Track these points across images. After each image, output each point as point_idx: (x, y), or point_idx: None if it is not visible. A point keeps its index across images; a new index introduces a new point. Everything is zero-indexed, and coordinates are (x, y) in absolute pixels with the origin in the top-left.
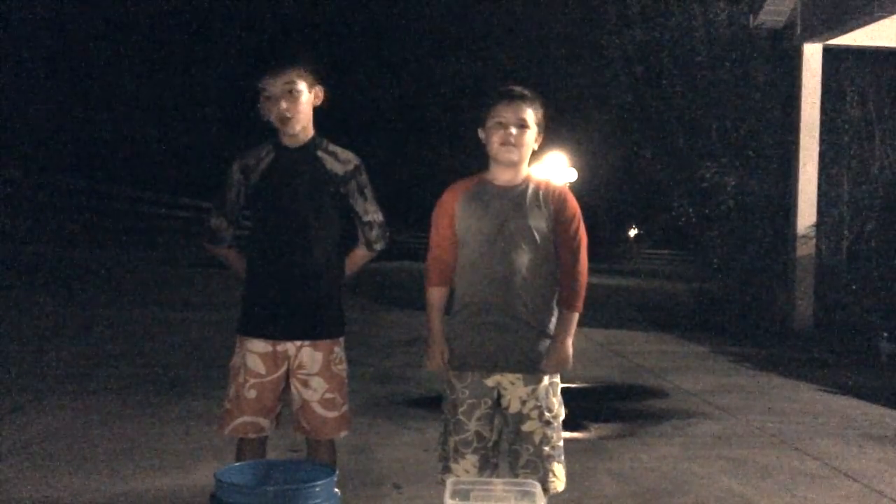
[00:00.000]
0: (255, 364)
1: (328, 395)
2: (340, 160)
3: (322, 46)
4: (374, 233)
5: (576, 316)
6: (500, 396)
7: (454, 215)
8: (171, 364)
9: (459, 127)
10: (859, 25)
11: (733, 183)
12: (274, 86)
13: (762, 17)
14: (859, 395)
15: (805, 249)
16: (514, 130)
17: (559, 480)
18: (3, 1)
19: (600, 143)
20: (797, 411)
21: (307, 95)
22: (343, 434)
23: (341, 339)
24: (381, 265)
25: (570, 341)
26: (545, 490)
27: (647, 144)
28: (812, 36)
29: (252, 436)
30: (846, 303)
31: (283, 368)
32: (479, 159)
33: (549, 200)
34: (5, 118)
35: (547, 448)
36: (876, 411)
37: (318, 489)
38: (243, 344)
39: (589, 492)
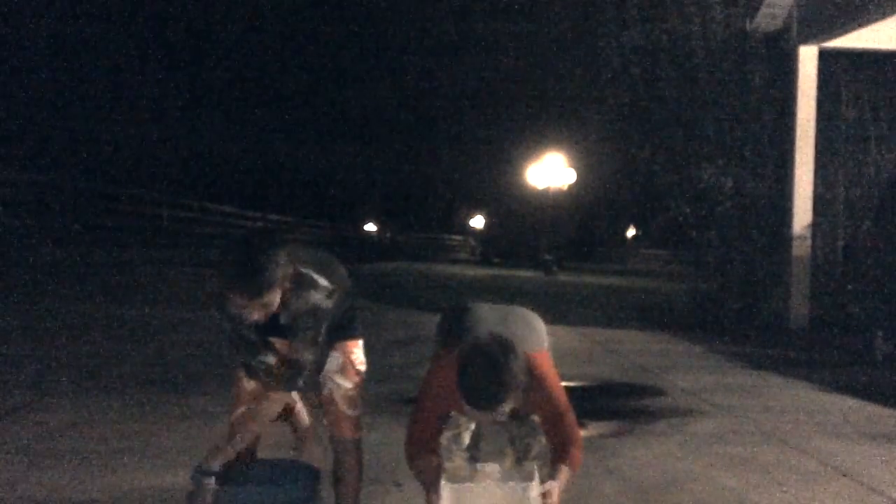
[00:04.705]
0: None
1: (352, 393)
2: (291, 312)
3: (324, 48)
4: (290, 371)
5: (568, 470)
6: None
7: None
8: (171, 363)
9: (460, 129)
10: (855, 28)
11: (730, 184)
12: (247, 307)
13: (759, 19)
14: (855, 393)
15: (801, 250)
16: (474, 418)
17: None
18: (4, 1)
19: (598, 144)
20: (793, 409)
21: (279, 298)
22: (358, 436)
23: (360, 342)
24: (381, 265)
25: (559, 490)
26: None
27: (645, 146)
28: (808, 39)
29: (251, 425)
30: (842, 302)
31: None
32: (477, 160)
33: (527, 409)
34: (6, 118)
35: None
36: (871, 409)
37: (299, 488)
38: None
39: (587, 489)
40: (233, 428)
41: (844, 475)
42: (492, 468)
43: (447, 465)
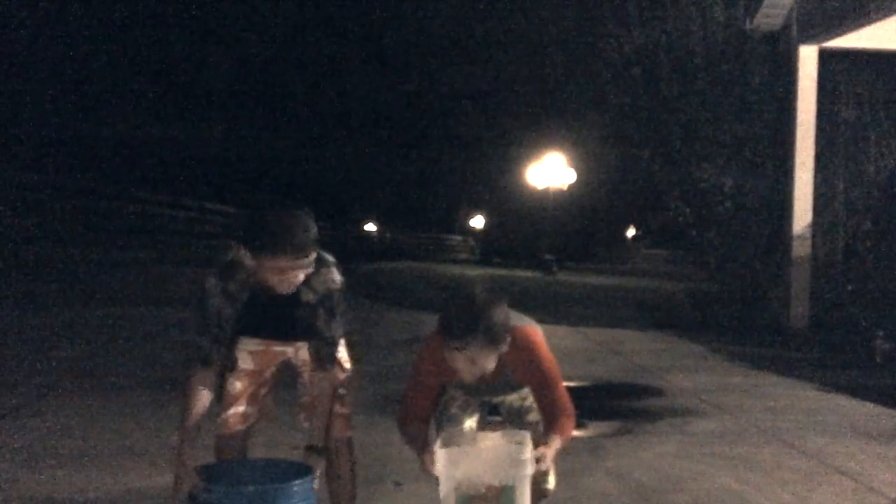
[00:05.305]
0: (244, 361)
1: (340, 391)
2: (316, 290)
3: (326, 49)
4: (329, 350)
5: (559, 439)
6: (494, 405)
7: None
8: (171, 364)
9: (460, 129)
10: (855, 28)
11: (730, 184)
12: (288, 271)
13: (759, 19)
14: (855, 393)
15: (801, 249)
16: (461, 368)
17: (553, 479)
18: (3, 1)
19: (598, 144)
20: (793, 409)
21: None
22: (349, 434)
23: (342, 340)
24: (381, 265)
25: (551, 455)
26: (543, 494)
27: (645, 145)
28: (808, 38)
29: (239, 427)
30: (842, 302)
31: (276, 366)
32: (477, 160)
33: (512, 369)
34: (6, 118)
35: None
36: (871, 409)
37: (294, 489)
38: (235, 345)
39: (586, 490)
40: (223, 428)
41: (844, 475)
42: (485, 435)
43: (444, 431)
